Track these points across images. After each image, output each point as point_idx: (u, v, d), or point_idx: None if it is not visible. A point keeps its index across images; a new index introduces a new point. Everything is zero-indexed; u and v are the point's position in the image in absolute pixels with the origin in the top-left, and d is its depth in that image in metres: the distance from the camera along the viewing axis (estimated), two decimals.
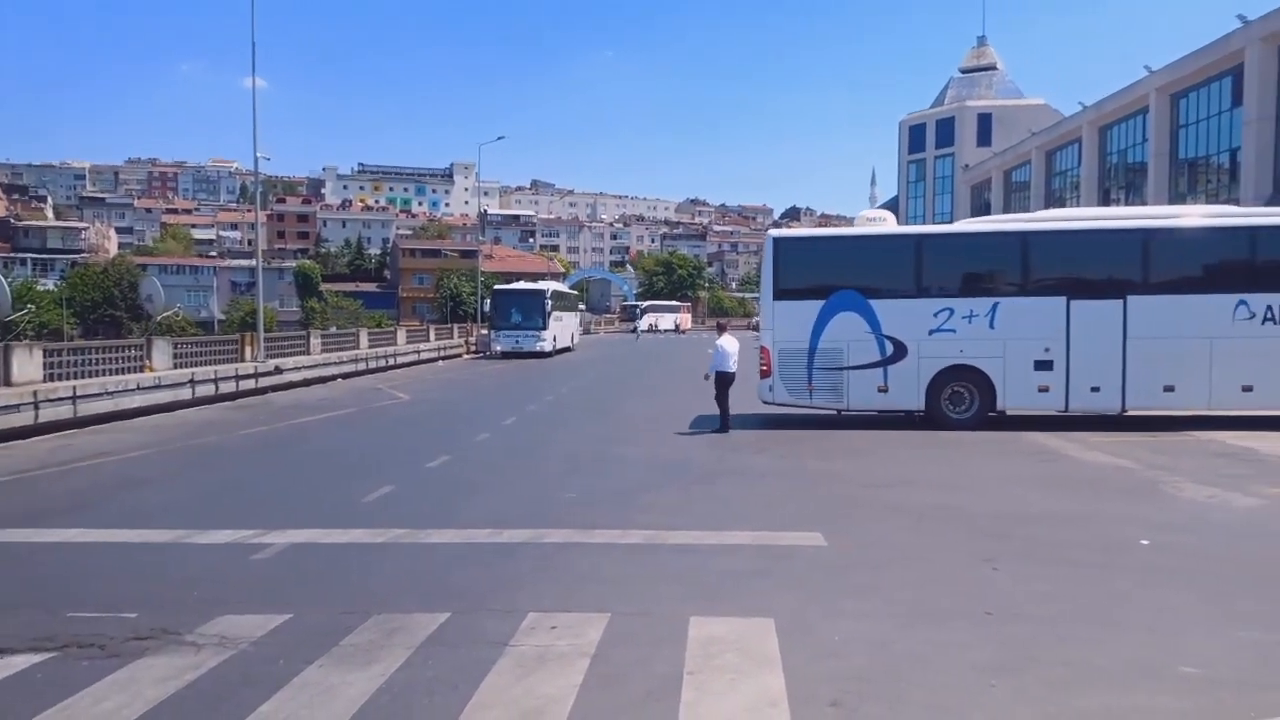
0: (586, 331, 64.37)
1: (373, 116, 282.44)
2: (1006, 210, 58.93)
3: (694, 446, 13.92)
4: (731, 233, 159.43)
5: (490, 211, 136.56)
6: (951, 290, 15.21)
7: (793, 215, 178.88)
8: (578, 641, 5.45)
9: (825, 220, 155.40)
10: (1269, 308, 14.35)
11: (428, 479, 11.40)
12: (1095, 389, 14.74)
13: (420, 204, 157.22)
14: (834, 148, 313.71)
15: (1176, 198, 41.88)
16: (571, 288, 69.94)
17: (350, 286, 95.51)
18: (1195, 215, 16.48)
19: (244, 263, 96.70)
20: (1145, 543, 7.68)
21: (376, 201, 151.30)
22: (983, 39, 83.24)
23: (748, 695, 4.64)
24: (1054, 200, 56.28)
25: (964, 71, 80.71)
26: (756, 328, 19.54)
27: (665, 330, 77.64)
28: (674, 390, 20.66)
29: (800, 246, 16.70)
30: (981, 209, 63.48)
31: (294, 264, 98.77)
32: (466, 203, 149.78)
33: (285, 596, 6.53)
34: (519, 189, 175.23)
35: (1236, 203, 34.80)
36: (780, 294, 15.59)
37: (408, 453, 13.61)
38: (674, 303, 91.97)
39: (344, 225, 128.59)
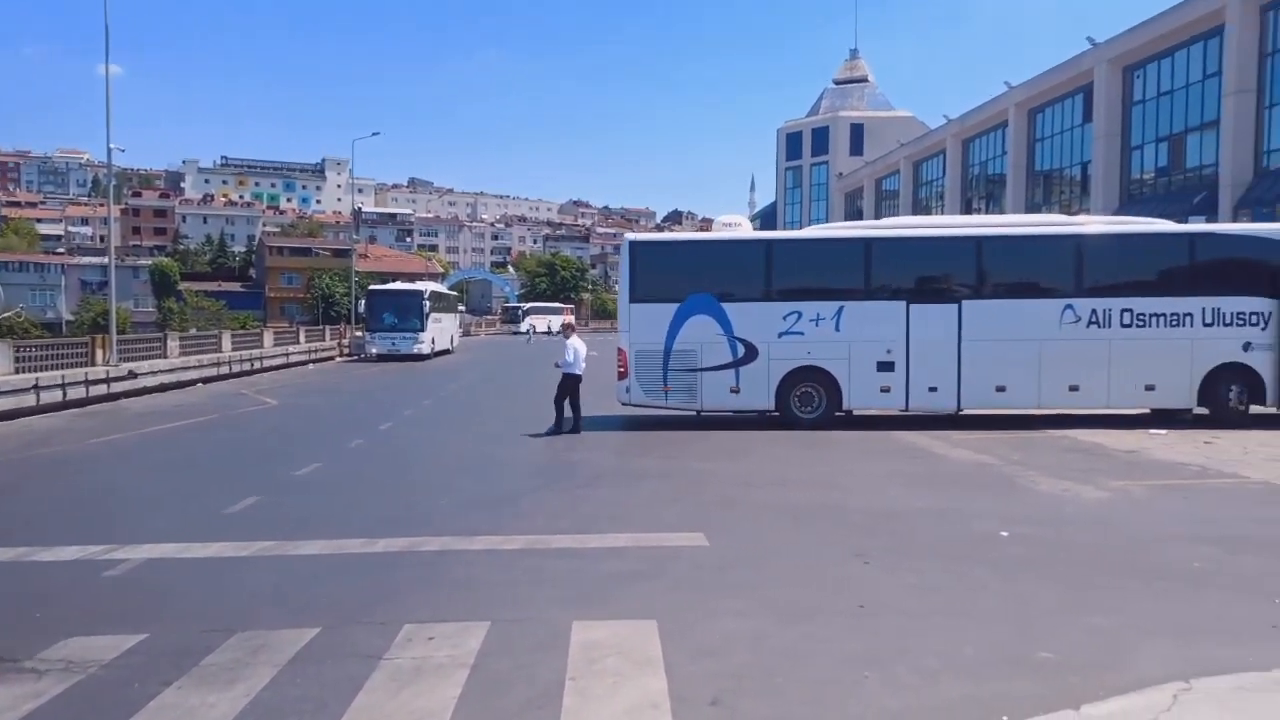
0: (467, 333, 63.38)
1: (238, 108, 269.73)
2: (878, 217, 61.41)
3: (576, 450, 13.86)
4: (615, 235, 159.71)
5: (365, 209, 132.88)
6: (800, 294, 15.64)
7: (675, 219, 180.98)
8: (456, 652, 5.31)
9: (706, 225, 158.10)
10: (1094, 312, 15.17)
11: (296, 488, 10.92)
12: (933, 389, 15.41)
13: (289, 200, 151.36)
14: (716, 153, 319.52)
15: (1033, 208, 44.59)
16: (451, 289, 68.68)
17: (212, 286, 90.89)
18: (1031, 224, 17.41)
19: (95, 260, 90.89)
20: (1005, 535, 8.09)
21: (241, 197, 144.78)
22: (855, 52, 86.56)
23: (629, 698, 4.63)
24: (921, 208, 59.08)
25: (837, 83, 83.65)
26: None
27: (554, 333, 77.27)
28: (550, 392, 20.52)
29: (656, 251, 16.92)
30: (855, 216, 65.92)
31: (150, 262, 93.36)
32: (339, 200, 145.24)
33: (140, 616, 6.12)
34: (396, 186, 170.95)
35: (1088, 212, 37.35)
36: (636, 297, 15.82)
37: (275, 460, 13.02)
38: (557, 304, 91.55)
39: (205, 221, 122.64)
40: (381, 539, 8.09)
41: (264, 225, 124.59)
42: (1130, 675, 4.83)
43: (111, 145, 26.71)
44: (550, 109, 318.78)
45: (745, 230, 17.10)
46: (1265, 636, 5.45)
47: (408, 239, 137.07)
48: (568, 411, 15.14)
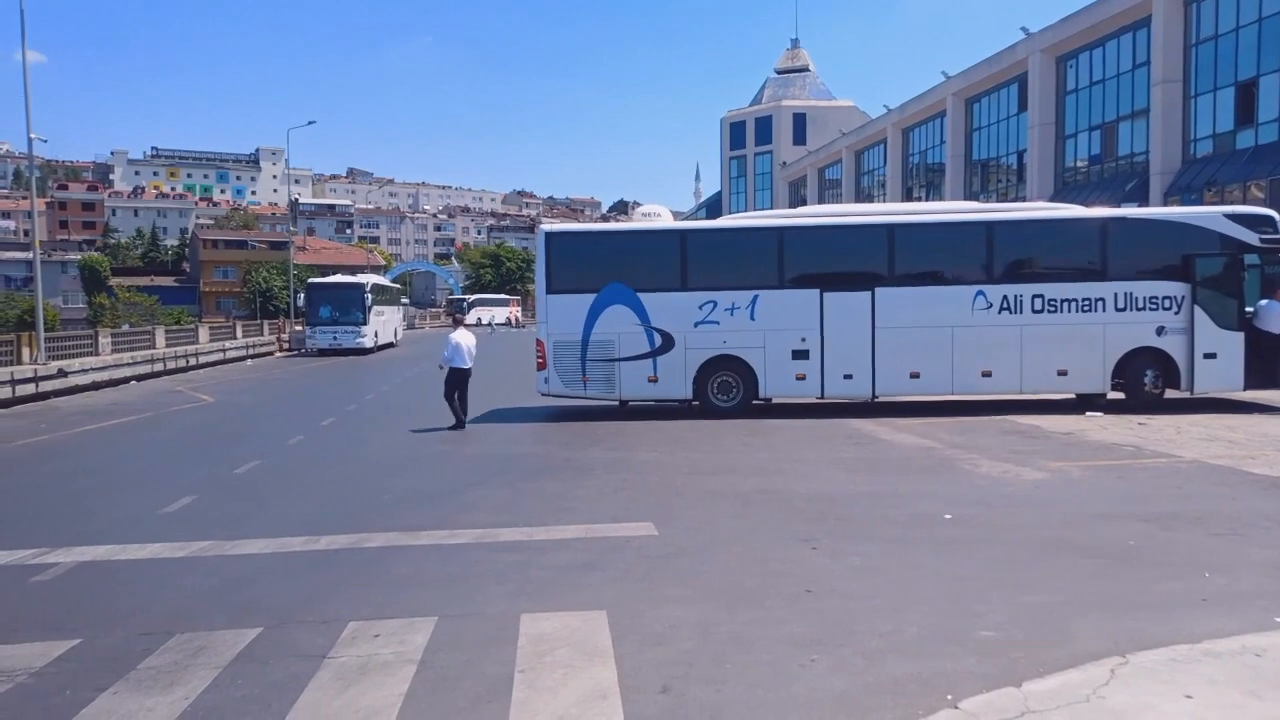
0: (411, 326, 62.57)
1: (169, 98, 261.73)
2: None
3: (524, 441, 13.79)
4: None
5: (302, 200, 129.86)
6: (715, 284, 15.65)
7: (621, 209, 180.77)
8: (403, 648, 5.23)
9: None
10: (1005, 298, 15.28)
11: (235, 486, 10.66)
12: (848, 376, 15.50)
13: (223, 192, 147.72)
14: (662, 143, 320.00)
15: (971, 196, 45.47)
16: (394, 281, 67.71)
17: (145, 281, 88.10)
18: (944, 211, 17.51)
19: (19, 255, 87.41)
20: (948, 517, 8.24)
21: (174, 189, 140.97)
22: (796, 41, 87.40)
23: (579, 689, 4.61)
24: (864, 197, 59.85)
25: (779, 72, 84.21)
26: None
27: (500, 325, 76.64)
28: (500, 385, 20.38)
29: (572, 241, 16.92)
30: (799, 204, 66.55)
31: (79, 256, 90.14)
32: (275, 191, 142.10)
33: (72, 620, 5.92)
34: (334, 177, 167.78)
35: (1024, 199, 38.22)
36: (553, 288, 15.80)
37: (212, 459, 12.70)
38: (503, 296, 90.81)
39: (136, 214, 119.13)
40: (324, 536, 7.94)
41: (197, 218, 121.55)
42: (1069, 651, 4.94)
43: (32, 135, 25.73)
44: (493, 98, 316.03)
45: (664, 221, 17.06)
46: (1196, 610, 5.63)
47: (348, 231, 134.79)
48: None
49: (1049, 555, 6.97)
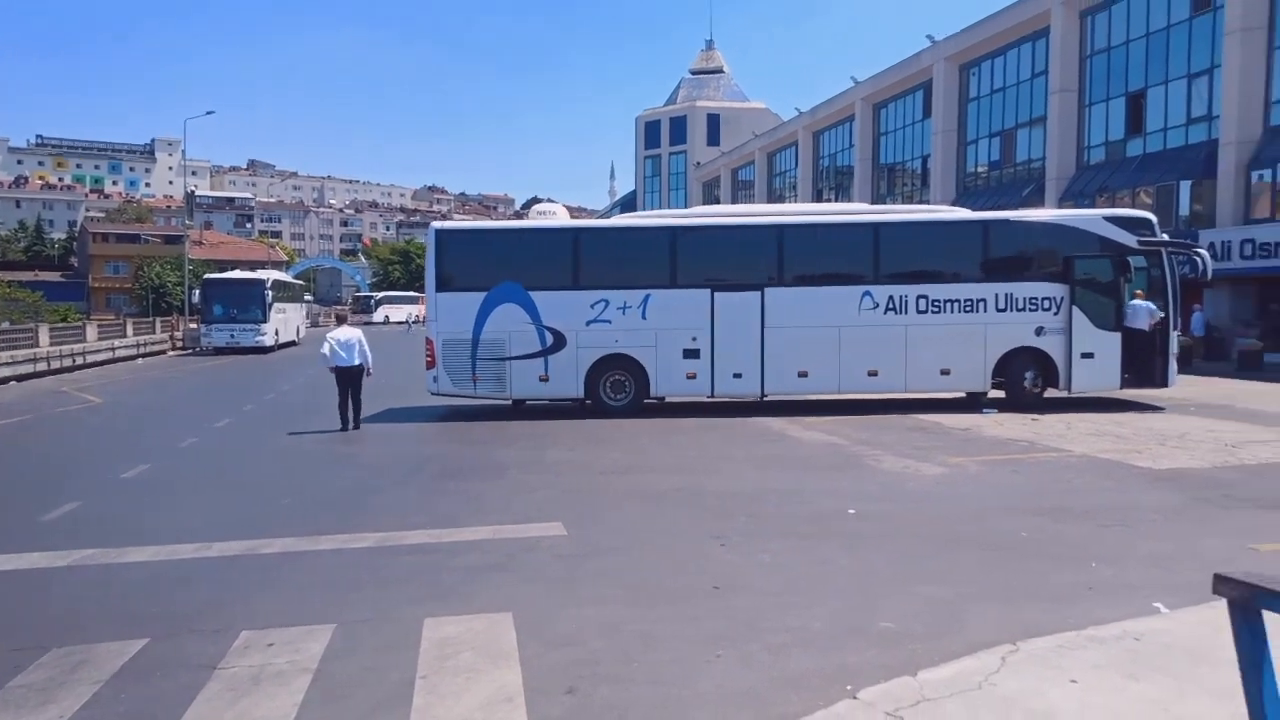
0: (314, 324, 60.85)
1: (53, 82, 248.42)
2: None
3: (433, 441, 13.53)
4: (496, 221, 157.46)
5: (200, 193, 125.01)
6: (607, 282, 15.64)
7: (553, 203, 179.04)
8: (298, 657, 5.05)
9: (568, 212, 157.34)
10: (890, 298, 15.50)
11: (122, 491, 10.15)
12: (738, 375, 15.60)
13: (115, 183, 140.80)
14: (577, 140, 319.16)
15: (879, 199, 46.65)
16: (297, 277, 65.74)
17: (28, 275, 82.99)
18: (832, 213, 17.92)
19: None
20: (852, 512, 8.41)
21: (61, 179, 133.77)
22: (710, 43, 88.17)
23: (483, 693, 4.52)
24: (775, 198, 60.79)
25: (694, 73, 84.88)
26: None
27: (413, 323, 75.07)
28: (408, 383, 19.95)
29: (463, 239, 16.72)
30: (714, 204, 67.14)
31: None
32: (171, 183, 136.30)
33: None
34: (234, 169, 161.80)
35: (927, 203, 39.40)
36: (443, 285, 15.67)
37: (98, 463, 12.08)
38: (413, 294, 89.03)
39: (19, 205, 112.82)
40: (217, 543, 7.61)
41: (86, 210, 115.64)
42: (964, 640, 5.09)
43: None
44: (405, 92, 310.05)
45: (559, 219, 17.01)
46: (1082, 598, 5.87)
47: (248, 225, 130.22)
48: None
49: (947, 548, 7.18)
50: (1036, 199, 34.07)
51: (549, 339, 15.53)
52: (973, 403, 16.26)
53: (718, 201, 67.54)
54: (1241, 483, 9.47)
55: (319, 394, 20.44)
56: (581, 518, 8.31)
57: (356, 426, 14.29)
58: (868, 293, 15.55)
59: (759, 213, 19.49)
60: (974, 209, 21.51)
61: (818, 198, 54.54)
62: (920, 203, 40.89)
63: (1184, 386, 17.30)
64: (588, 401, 15.75)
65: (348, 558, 7.20)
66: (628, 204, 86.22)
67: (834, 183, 54.17)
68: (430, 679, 4.71)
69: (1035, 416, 14.69)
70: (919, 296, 15.55)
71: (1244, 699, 2.81)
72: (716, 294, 15.56)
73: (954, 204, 36.14)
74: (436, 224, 16.64)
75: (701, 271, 15.74)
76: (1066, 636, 5.00)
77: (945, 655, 4.85)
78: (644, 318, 15.53)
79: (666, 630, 5.38)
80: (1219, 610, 2.80)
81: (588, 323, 15.53)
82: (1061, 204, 32.61)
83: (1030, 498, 8.97)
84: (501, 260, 15.94)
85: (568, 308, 15.55)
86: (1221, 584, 2.78)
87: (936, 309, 15.55)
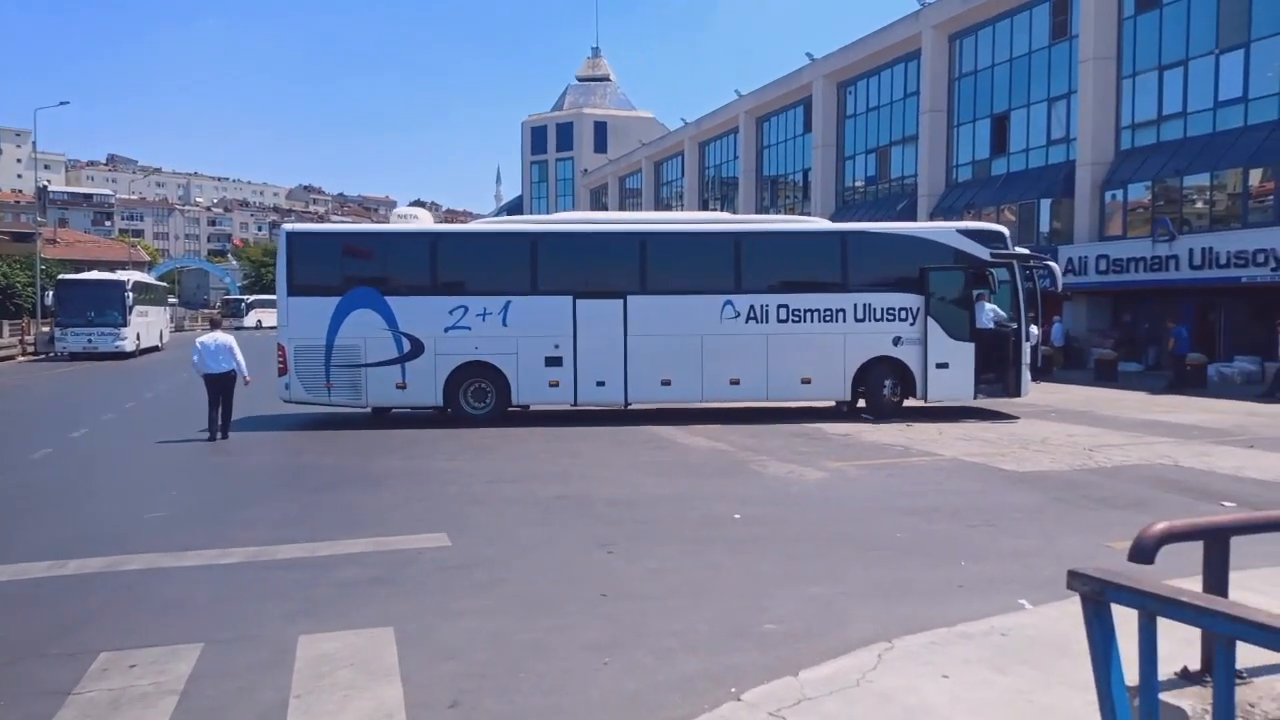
0: (180, 328, 57.94)
1: None
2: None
3: (310, 451, 13.04)
4: (352, 224, 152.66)
5: (54, 188, 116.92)
6: (466, 288, 15.48)
7: (418, 208, 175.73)
8: (163, 678, 4.77)
9: (450, 215, 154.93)
10: (752, 308, 15.56)
11: None
12: (601, 383, 15.52)
13: None
14: (462, 143, 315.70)
15: (762, 209, 47.76)
16: (161, 278, 62.42)
17: None
18: (695, 222, 18.03)
19: None
20: (737, 517, 8.55)
21: None
22: (597, 50, 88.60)
23: (362, 711, 4.37)
24: (663, 206, 61.46)
25: (581, 80, 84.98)
26: None
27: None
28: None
29: (316, 242, 16.40)
30: (601, 211, 67.31)
31: None
32: (20, 176, 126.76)
33: None
34: (92, 164, 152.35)
35: (808, 215, 40.55)
36: (295, 290, 15.24)
37: None
38: None
39: None
40: (73, 560, 7.11)
41: None
42: (843, 639, 5.23)
43: None
44: (280, 89, 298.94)
45: (420, 223, 16.69)
46: (953, 595, 6.13)
47: (107, 223, 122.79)
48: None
49: (829, 549, 7.39)
50: (909, 214, 35.56)
51: (406, 345, 15.20)
52: (851, 410, 16.46)
53: (605, 208, 67.79)
54: (1097, 484, 10.09)
55: (186, 400, 19.43)
56: (467, 528, 8.16)
57: (225, 435, 13.68)
58: (729, 302, 15.60)
59: (622, 220, 19.48)
60: (851, 222, 22.16)
61: (704, 207, 55.43)
62: (802, 214, 42.02)
63: (1045, 394, 18.35)
64: (448, 410, 15.47)
65: (215, 574, 6.85)
66: (514, 209, 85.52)
67: (720, 193, 55.19)
68: (305, 698, 4.52)
69: (909, 423, 15.26)
70: (779, 306, 15.65)
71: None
72: (579, 301, 15.46)
73: (833, 217, 37.33)
74: (287, 225, 16.21)
75: (563, 278, 15.63)
76: (939, 633, 5.20)
77: (825, 654, 4.97)
78: (505, 324, 15.33)
79: (553, 640, 5.33)
80: (1078, 605, 2.95)
81: (446, 329, 15.25)
82: (933, 219, 34.13)
83: (905, 499, 9.32)
84: (357, 264, 15.60)
85: (425, 314, 15.24)
86: (1074, 579, 2.93)
87: (797, 318, 15.66)
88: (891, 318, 15.73)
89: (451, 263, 15.70)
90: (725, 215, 19.41)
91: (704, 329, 15.58)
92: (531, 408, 16.06)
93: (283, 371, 15.08)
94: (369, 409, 15.76)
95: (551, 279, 15.58)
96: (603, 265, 15.93)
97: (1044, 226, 30.69)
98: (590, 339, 15.44)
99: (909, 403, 16.10)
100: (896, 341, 15.76)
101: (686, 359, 15.56)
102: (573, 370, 15.45)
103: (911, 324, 15.76)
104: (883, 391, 15.91)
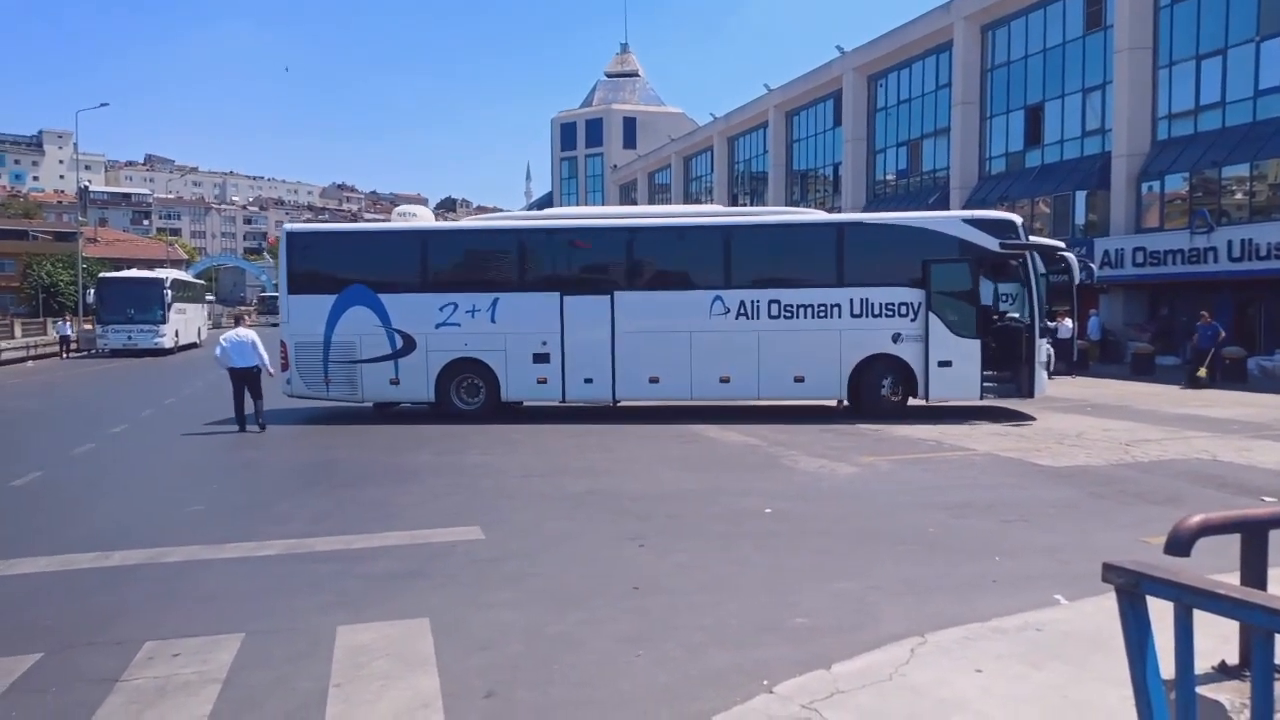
0: (216, 325, 58.79)
1: None
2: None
3: (342, 446, 13.21)
4: (384, 221, 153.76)
5: (94, 188, 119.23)
6: (456, 285, 15.57)
7: (449, 206, 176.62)
8: (205, 667, 4.88)
9: (481, 212, 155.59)
10: (742, 303, 15.18)
11: (12, 499, 9.63)
12: (589, 380, 15.43)
13: (0, 176, 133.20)
14: (493, 140, 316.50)
15: (792, 204, 47.44)
16: (198, 276, 63.40)
17: None
18: (684, 215, 17.75)
19: None
20: (768, 511, 8.55)
21: None
22: (625, 46, 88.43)
23: (399, 700, 4.45)
24: (692, 201, 61.30)
25: (609, 76, 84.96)
26: None
27: None
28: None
29: (314, 241, 16.61)
30: (630, 206, 67.34)
31: None
32: (62, 177, 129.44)
33: None
34: (130, 164, 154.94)
35: (839, 209, 40.31)
36: (295, 287, 15.59)
37: None
38: None
39: None
40: (117, 552, 7.29)
41: None
42: (875, 633, 5.23)
43: None
44: (315, 89, 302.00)
45: (420, 221, 16.80)
46: (987, 590, 6.10)
47: (145, 222, 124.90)
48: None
49: (860, 544, 7.37)
50: (941, 206, 35.17)
51: (399, 342, 15.42)
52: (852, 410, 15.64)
53: (635, 204, 67.78)
54: (1134, 479, 9.97)
55: (223, 397, 19.77)
56: (499, 521, 8.24)
57: (261, 428, 13.98)
58: (719, 297, 15.27)
59: (609, 215, 19.27)
60: (799, 208, 21.85)
61: (733, 202, 55.24)
62: (833, 209, 41.82)
63: (1081, 388, 18.15)
64: (436, 405, 15.61)
65: (254, 566, 6.98)
66: (543, 206, 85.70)
67: (749, 188, 54.94)
68: (344, 687, 4.61)
69: (913, 424, 14.96)
70: (771, 301, 15.22)
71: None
72: (566, 297, 15.40)
73: (864, 210, 37.04)
74: (288, 225, 16.53)
75: (551, 274, 15.65)
76: (972, 628, 5.19)
77: (857, 648, 4.97)
78: (493, 321, 15.41)
79: (585, 632, 5.38)
80: (1114, 600, 2.94)
81: (437, 326, 15.40)
82: (966, 210, 33.76)
83: (938, 494, 9.27)
84: (352, 263, 15.82)
85: (417, 311, 15.43)
86: (1109, 571, 2.92)
87: (790, 314, 15.19)
88: (891, 313, 15.07)
89: (441, 260, 15.90)
90: (715, 208, 19.21)
91: (693, 325, 15.29)
92: (525, 404, 16.14)
93: (285, 367, 15.45)
94: (366, 404, 16.01)
95: (539, 275, 15.65)
96: (590, 261, 15.92)
97: (1079, 219, 30.27)
98: (577, 336, 15.38)
99: (911, 402, 15.45)
100: (896, 338, 15.09)
101: (675, 356, 15.29)
102: (560, 367, 15.43)
103: (912, 320, 15.05)
104: (880, 390, 15.25)
